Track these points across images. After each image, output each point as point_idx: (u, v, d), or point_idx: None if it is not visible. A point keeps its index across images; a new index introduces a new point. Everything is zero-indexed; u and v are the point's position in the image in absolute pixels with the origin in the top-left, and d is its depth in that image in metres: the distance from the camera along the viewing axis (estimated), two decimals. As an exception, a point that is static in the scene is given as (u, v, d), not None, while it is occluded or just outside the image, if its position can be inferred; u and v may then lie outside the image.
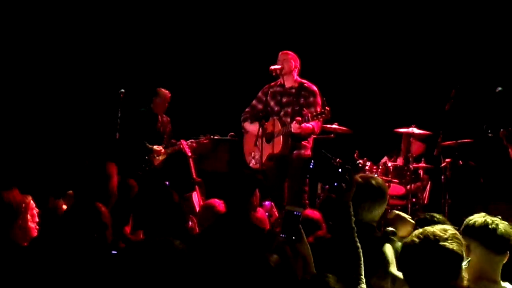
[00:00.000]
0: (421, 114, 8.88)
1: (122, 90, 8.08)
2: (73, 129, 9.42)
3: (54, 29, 9.48)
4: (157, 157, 8.48)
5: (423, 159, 8.61)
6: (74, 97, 9.49)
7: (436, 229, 2.81)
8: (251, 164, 7.13)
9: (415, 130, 8.50)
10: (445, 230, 2.80)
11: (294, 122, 6.67)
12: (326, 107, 6.51)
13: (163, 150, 8.49)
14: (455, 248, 2.76)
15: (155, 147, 8.46)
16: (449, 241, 2.76)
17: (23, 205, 3.92)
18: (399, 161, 8.69)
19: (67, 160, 8.64)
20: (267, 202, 5.48)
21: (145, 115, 8.55)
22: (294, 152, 6.91)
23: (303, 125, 6.63)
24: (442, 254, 2.74)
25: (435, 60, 9.43)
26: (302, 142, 6.92)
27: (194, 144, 8.51)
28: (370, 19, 9.72)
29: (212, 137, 8.64)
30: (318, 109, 6.80)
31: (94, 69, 9.60)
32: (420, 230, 2.84)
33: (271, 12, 9.82)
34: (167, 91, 8.60)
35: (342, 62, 9.75)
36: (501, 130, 7.18)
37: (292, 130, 6.72)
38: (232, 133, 8.59)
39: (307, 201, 6.96)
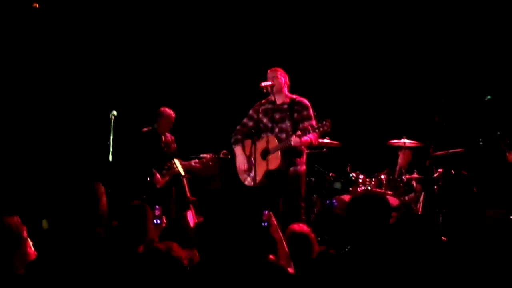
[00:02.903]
0: (411, 125, 8.94)
1: (114, 113, 8.05)
2: (65, 151, 9.39)
3: (48, 49, 9.49)
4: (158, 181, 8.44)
5: (415, 170, 8.67)
6: (66, 119, 9.48)
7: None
8: (246, 182, 7.08)
9: (406, 141, 8.57)
10: None
11: (295, 136, 6.61)
12: (327, 119, 6.46)
13: (160, 179, 8.40)
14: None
15: (156, 176, 8.38)
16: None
17: (24, 231, 3.88)
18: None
19: (57, 182, 8.61)
20: (266, 212, 5.46)
21: (147, 136, 8.51)
22: (290, 168, 6.88)
23: (302, 138, 6.59)
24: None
25: (423, 72, 9.50)
26: (297, 159, 6.89)
27: (198, 164, 8.47)
28: (358, 33, 9.80)
29: (216, 156, 8.54)
30: (313, 122, 6.77)
31: (87, 91, 9.60)
32: None
33: (259, 31, 9.88)
34: (171, 111, 8.56)
35: (331, 76, 9.81)
36: (498, 133, 7.25)
37: (292, 144, 6.65)
38: (225, 151, 8.58)
39: (304, 217, 6.93)
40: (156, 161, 8.46)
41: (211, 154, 8.52)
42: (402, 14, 9.59)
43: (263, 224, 5.14)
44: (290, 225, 5.18)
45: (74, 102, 9.57)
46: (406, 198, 8.48)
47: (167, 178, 8.47)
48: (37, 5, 8.76)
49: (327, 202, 8.37)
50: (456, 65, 9.32)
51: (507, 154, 7.17)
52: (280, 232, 5.10)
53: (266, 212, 5.11)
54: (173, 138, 8.73)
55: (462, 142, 8.29)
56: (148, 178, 8.34)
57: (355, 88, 9.83)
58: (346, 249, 4.03)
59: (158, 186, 8.42)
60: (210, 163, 8.49)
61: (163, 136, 8.63)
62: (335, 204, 8.31)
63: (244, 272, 3.35)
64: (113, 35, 9.77)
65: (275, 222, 5.10)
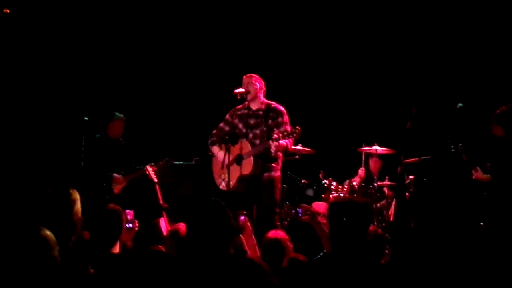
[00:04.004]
0: (382, 132, 8.99)
1: (86, 118, 7.99)
2: (36, 157, 9.28)
3: (19, 55, 9.37)
4: (117, 185, 8.31)
5: (387, 177, 8.72)
6: (38, 125, 9.37)
7: None
8: (221, 187, 7.08)
9: (378, 149, 8.62)
10: None
11: (271, 140, 6.59)
12: (297, 127, 6.52)
13: (121, 179, 8.29)
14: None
15: (115, 175, 8.25)
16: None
17: None
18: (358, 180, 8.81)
19: (29, 189, 8.50)
20: (242, 217, 5.49)
21: (100, 141, 8.34)
22: (265, 174, 6.89)
23: (279, 142, 6.61)
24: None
25: (395, 79, 9.57)
26: (272, 164, 6.92)
27: (154, 167, 8.32)
28: (331, 41, 9.84)
29: (170, 159, 8.40)
30: (288, 128, 6.79)
31: (58, 96, 9.50)
32: None
33: (234, 35, 9.88)
34: (121, 115, 8.39)
35: (305, 83, 9.84)
36: (460, 144, 7.27)
37: (272, 148, 6.62)
38: (197, 158, 8.55)
39: (278, 223, 6.93)
40: (109, 166, 8.28)
41: (167, 159, 8.40)
42: (374, 22, 9.65)
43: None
44: (265, 231, 5.18)
45: (47, 107, 9.46)
46: (378, 204, 8.52)
47: (124, 183, 8.33)
48: (8, 11, 8.66)
49: (293, 211, 8.38)
50: (428, 72, 9.40)
51: (473, 171, 7.17)
52: (254, 238, 5.11)
53: (242, 217, 5.13)
54: (126, 142, 8.52)
55: (434, 149, 8.36)
56: (104, 184, 8.21)
57: (328, 96, 9.86)
58: (319, 256, 4.04)
59: (115, 191, 8.30)
60: (165, 168, 8.35)
61: (115, 141, 8.43)
62: (300, 212, 8.32)
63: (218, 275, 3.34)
64: (83, 38, 9.67)
65: (250, 227, 5.12)
